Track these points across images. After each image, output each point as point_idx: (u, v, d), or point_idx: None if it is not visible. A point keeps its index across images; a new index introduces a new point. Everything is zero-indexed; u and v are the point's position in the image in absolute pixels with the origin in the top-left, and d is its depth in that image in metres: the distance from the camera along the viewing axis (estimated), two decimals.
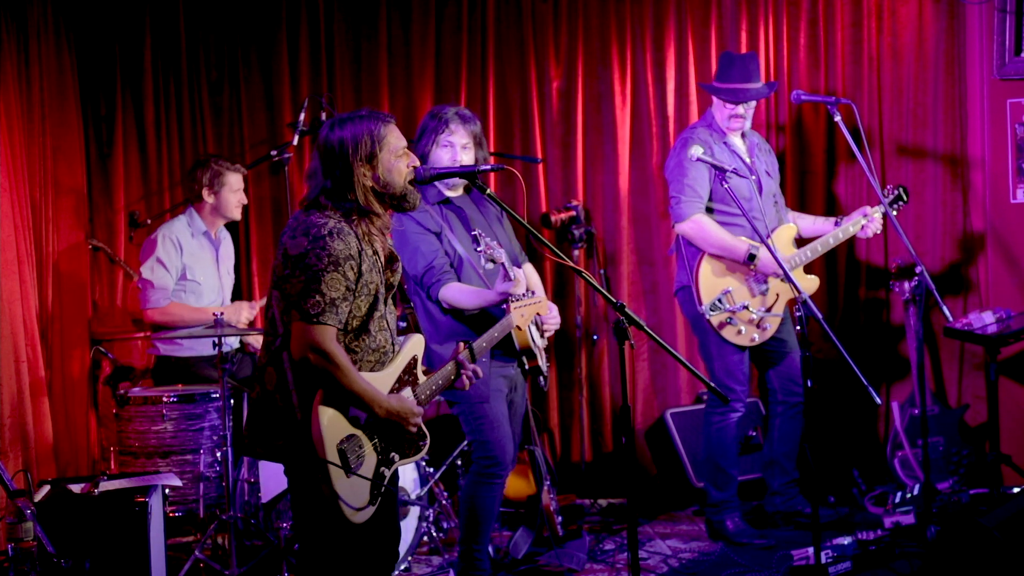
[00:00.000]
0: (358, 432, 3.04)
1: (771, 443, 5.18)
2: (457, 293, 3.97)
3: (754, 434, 5.60)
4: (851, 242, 5.28)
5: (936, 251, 5.71)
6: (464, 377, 3.30)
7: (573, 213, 5.77)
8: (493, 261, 3.84)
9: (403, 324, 4.96)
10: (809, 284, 5.02)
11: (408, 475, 4.58)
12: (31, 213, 5.18)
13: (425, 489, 4.66)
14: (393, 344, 3.20)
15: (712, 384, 3.38)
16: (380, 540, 3.23)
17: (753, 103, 5.00)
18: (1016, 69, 5.49)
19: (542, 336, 4.18)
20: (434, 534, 4.75)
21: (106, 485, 4.02)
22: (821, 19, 5.79)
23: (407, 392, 3.18)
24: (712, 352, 4.94)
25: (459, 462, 5.11)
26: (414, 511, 4.60)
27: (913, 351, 5.17)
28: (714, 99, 5.02)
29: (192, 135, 5.87)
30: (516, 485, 4.93)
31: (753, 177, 4.93)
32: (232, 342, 5.26)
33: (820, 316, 3.98)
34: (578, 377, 5.96)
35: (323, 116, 5.49)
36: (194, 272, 5.15)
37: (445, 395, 3.74)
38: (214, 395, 4.75)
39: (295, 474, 3.09)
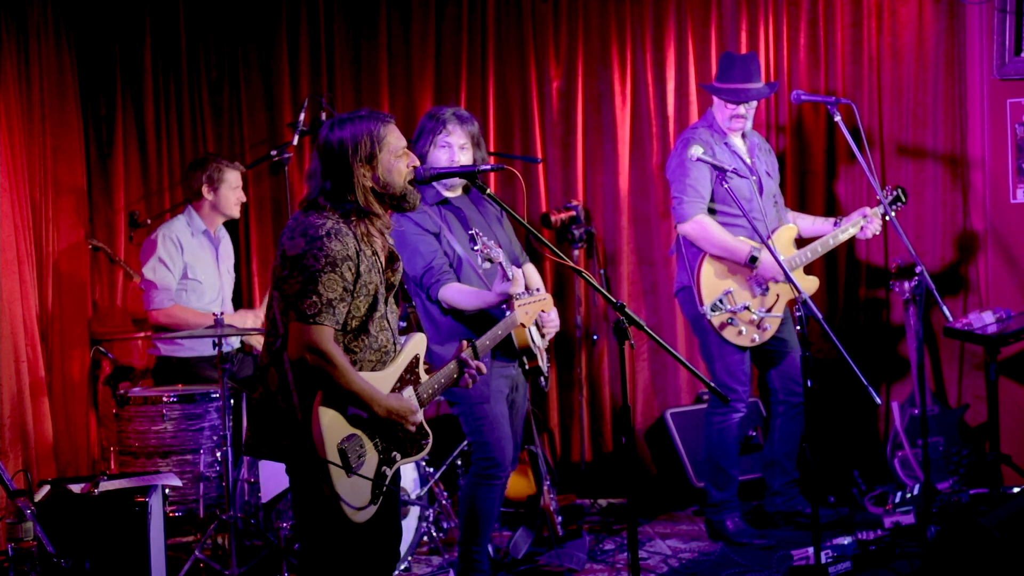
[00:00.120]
0: (359, 432, 3.04)
1: (771, 443, 5.18)
2: (456, 294, 3.97)
3: (754, 434, 5.60)
4: (851, 242, 5.28)
5: (936, 251, 5.71)
6: (467, 375, 3.30)
7: (573, 213, 5.77)
8: (490, 260, 3.83)
9: (403, 324, 4.96)
10: (809, 284, 5.02)
11: (408, 475, 4.58)
12: (31, 213, 5.18)
13: (425, 489, 4.66)
14: (395, 344, 3.20)
15: (712, 384, 3.37)
16: (381, 540, 3.23)
17: (754, 103, 5.00)
18: (1016, 69, 5.49)
19: (542, 337, 4.18)
20: (434, 534, 4.75)
21: (106, 485, 4.02)
22: (821, 19, 5.79)
23: (408, 391, 3.18)
24: (713, 352, 4.94)
25: (459, 462, 5.11)
26: (414, 511, 4.61)
27: (913, 351, 5.17)
28: (715, 99, 5.02)
29: (192, 135, 5.87)
30: (516, 485, 4.93)
31: (754, 178, 4.93)
32: (232, 342, 5.26)
33: (820, 316, 3.98)
34: (578, 377, 5.96)
35: (323, 116, 5.49)
36: (195, 271, 5.15)
37: (445, 395, 3.74)
38: (214, 395, 4.75)
39: (296, 474, 3.09)
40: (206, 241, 5.25)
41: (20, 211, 5.04)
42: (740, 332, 4.86)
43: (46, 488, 4.04)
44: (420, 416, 3.16)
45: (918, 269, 5.01)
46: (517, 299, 3.82)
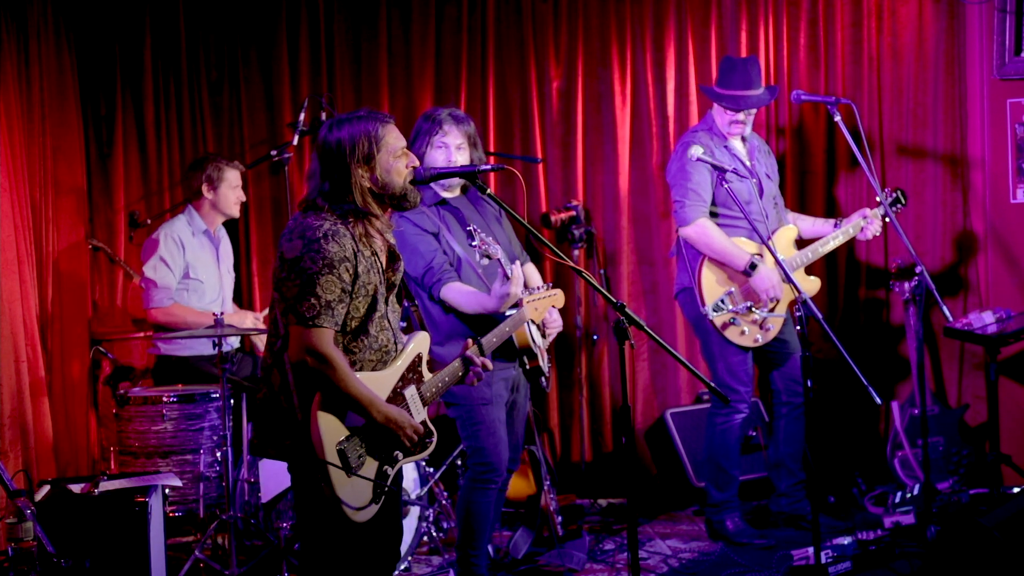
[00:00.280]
0: (358, 432, 3.04)
1: (776, 445, 5.17)
2: (457, 294, 3.96)
3: (754, 434, 5.60)
4: (851, 243, 5.28)
5: (936, 251, 5.71)
6: (472, 373, 3.29)
7: (573, 213, 5.77)
8: (488, 256, 3.83)
9: (403, 324, 4.95)
10: (811, 286, 5.02)
11: (408, 475, 4.58)
12: (31, 213, 5.18)
13: (425, 489, 4.67)
14: (396, 343, 3.20)
15: (713, 385, 3.37)
16: (382, 539, 3.22)
17: (754, 109, 4.99)
18: (1016, 69, 5.49)
19: (544, 337, 4.17)
20: (434, 534, 4.75)
21: (106, 485, 4.02)
22: (821, 19, 5.79)
23: (411, 390, 3.18)
24: (715, 353, 4.94)
25: (459, 462, 5.11)
26: (414, 511, 4.61)
27: (913, 351, 5.17)
28: (715, 104, 5.02)
29: (192, 135, 5.87)
30: (516, 485, 4.93)
31: (754, 180, 4.93)
32: (233, 342, 5.26)
33: (820, 316, 3.98)
34: (578, 377, 5.96)
35: (323, 116, 5.49)
36: (196, 270, 5.15)
37: (444, 397, 3.73)
38: (214, 395, 4.75)
39: (297, 473, 3.09)
40: (207, 241, 5.25)
41: (20, 211, 5.04)
42: (743, 332, 4.85)
43: (46, 488, 4.04)
44: (421, 430, 3.13)
45: (918, 269, 5.01)
46: (526, 295, 3.81)
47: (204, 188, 5.18)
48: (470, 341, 3.35)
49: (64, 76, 5.53)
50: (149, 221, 5.54)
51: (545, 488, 4.86)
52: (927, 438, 4.90)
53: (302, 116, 5.49)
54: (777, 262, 4.27)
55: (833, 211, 5.74)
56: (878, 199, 5.00)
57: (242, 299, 5.76)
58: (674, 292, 5.17)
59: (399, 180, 3.10)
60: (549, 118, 5.96)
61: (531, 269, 4.34)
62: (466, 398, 4.03)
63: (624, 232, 5.93)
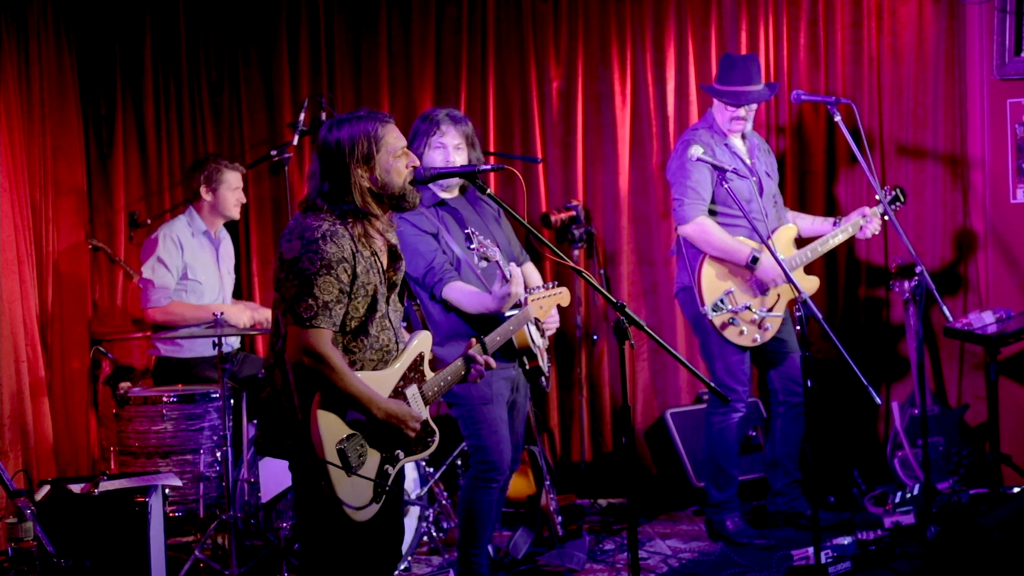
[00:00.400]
0: (358, 432, 3.04)
1: (773, 444, 5.18)
2: (459, 294, 3.96)
3: (754, 434, 5.60)
4: (851, 242, 5.28)
5: (936, 251, 5.71)
6: (474, 371, 3.29)
7: (573, 213, 5.77)
8: (487, 259, 3.83)
9: (403, 324, 4.95)
10: (810, 284, 5.02)
11: (408, 475, 4.58)
12: (31, 213, 5.19)
13: (425, 489, 4.67)
14: (398, 343, 3.20)
15: (712, 384, 3.37)
16: (383, 539, 3.23)
17: (754, 105, 5.00)
18: (1016, 69, 5.49)
19: (542, 336, 4.17)
20: (434, 534, 4.75)
21: (106, 485, 4.02)
22: (821, 19, 5.79)
23: (412, 389, 3.18)
24: (713, 352, 4.94)
25: (459, 462, 5.11)
26: (414, 511, 4.61)
27: (913, 351, 5.17)
28: (715, 101, 5.02)
29: (192, 135, 5.87)
30: (516, 485, 4.93)
31: (754, 178, 4.93)
32: (233, 342, 5.26)
33: (820, 316, 3.98)
34: (578, 377, 5.96)
35: (323, 116, 5.49)
36: (195, 271, 5.15)
37: (445, 397, 3.74)
38: (214, 395, 4.74)
39: (298, 472, 3.09)
40: (206, 242, 5.25)
41: (20, 211, 5.04)
42: (742, 332, 4.86)
43: (46, 488, 4.04)
44: (422, 418, 3.14)
45: (918, 269, 5.01)
46: (531, 293, 3.81)
47: (202, 190, 5.17)
48: (474, 340, 3.35)
49: (64, 76, 5.53)
50: (149, 221, 5.54)
51: (545, 488, 4.86)
52: (927, 438, 4.90)
53: (302, 116, 5.49)
54: (777, 261, 4.27)
55: (833, 210, 5.74)
56: (877, 198, 5.00)
57: (242, 299, 5.75)
58: (674, 291, 5.17)
59: (399, 180, 3.10)
60: (549, 118, 5.96)
61: (530, 269, 4.34)
62: (467, 397, 4.03)
63: (624, 232, 5.93)
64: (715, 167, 4.46)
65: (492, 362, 3.33)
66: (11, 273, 4.89)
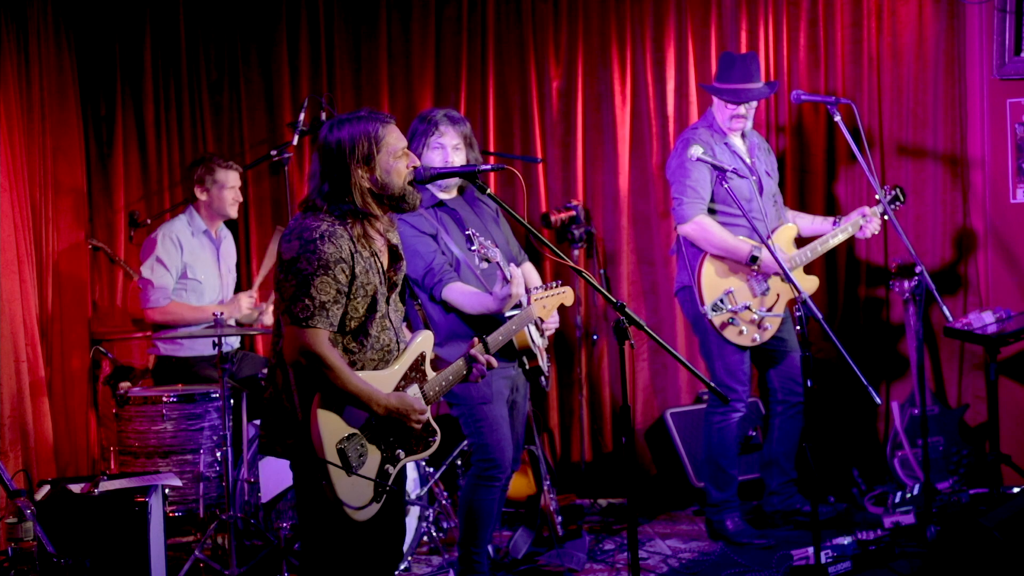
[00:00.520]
0: (358, 431, 3.04)
1: (771, 443, 5.18)
2: (459, 295, 3.96)
3: (754, 434, 5.60)
4: (851, 242, 5.28)
5: (936, 251, 5.71)
6: (475, 370, 3.29)
7: (573, 213, 5.77)
8: (487, 260, 3.83)
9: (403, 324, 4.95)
10: (810, 284, 5.02)
11: (408, 475, 4.58)
12: (31, 213, 5.19)
13: (425, 489, 4.67)
14: (399, 343, 3.20)
15: (712, 384, 3.37)
16: (383, 539, 3.23)
17: (754, 103, 5.00)
18: (1016, 69, 5.49)
19: (542, 336, 4.17)
20: (434, 534, 4.75)
21: (106, 485, 4.03)
22: (821, 19, 5.79)
23: (413, 389, 3.18)
24: (713, 352, 4.94)
25: (459, 462, 5.11)
26: (414, 511, 4.61)
27: (913, 351, 5.17)
28: (715, 100, 5.02)
29: (192, 135, 5.87)
30: (516, 485, 4.93)
31: (754, 178, 4.93)
32: (232, 342, 5.26)
33: (820, 316, 3.98)
34: (578, 377, 5.96)
35: (323, 116, 5.49)
36: (195, 271, 5.15)
37: (446, 397, 3.74)
38: (214, 395, 4.74)
39: (299, 472, 3.10)
40: (207, 241, 5.25)
41: (20, 211, 5.04)
42: (741, 332, 4.86)
43: (46, 488, 4.04)
44: (426, 414, 3.15)
45: (918, 269, 5.01)
46: (531, 293, 3.81)
47: (197, 190, 5.17)
48: (476, 339, 3.35)
49: (64, 76, 5.53)
50: (149, 221, 5.54)
51: (545, 488, 4.86)
52: (927, 438, 4.90)
53: (302, 116, 5.49)
54: (777, 261, 4.27)
55: (833, 210, 5.74)
56: (877, 197, 5.00)
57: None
58: (674, 290, 5.17)
59: (399, 181, 3.10)
60: (549, 118, 5.96)
61: (529, 268, 4.34)
62: (467, 397, 4.03)
63: (624, 232, 5.93)
64: (715, 167, 4.46)
65: (494, 361, 3.33)
66: (11, 273, 4.89)
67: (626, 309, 3.08)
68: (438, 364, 3.34)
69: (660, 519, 5.44)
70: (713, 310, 4.57)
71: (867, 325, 5.82)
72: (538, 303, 3.86)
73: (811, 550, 4.07)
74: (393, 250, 3.20)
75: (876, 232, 5.05)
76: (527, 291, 3.86)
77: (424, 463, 4.72)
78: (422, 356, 3.23)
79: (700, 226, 4.84)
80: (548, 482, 4.89)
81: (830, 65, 5.79)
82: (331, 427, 2.98)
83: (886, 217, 5.03)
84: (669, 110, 5.88)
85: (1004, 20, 5.46)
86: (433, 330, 4.05)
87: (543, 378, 4.19)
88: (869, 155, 5.16)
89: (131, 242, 5.64)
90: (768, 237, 4.78)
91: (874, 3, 5.74)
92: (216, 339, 4.49)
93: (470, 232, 3.87)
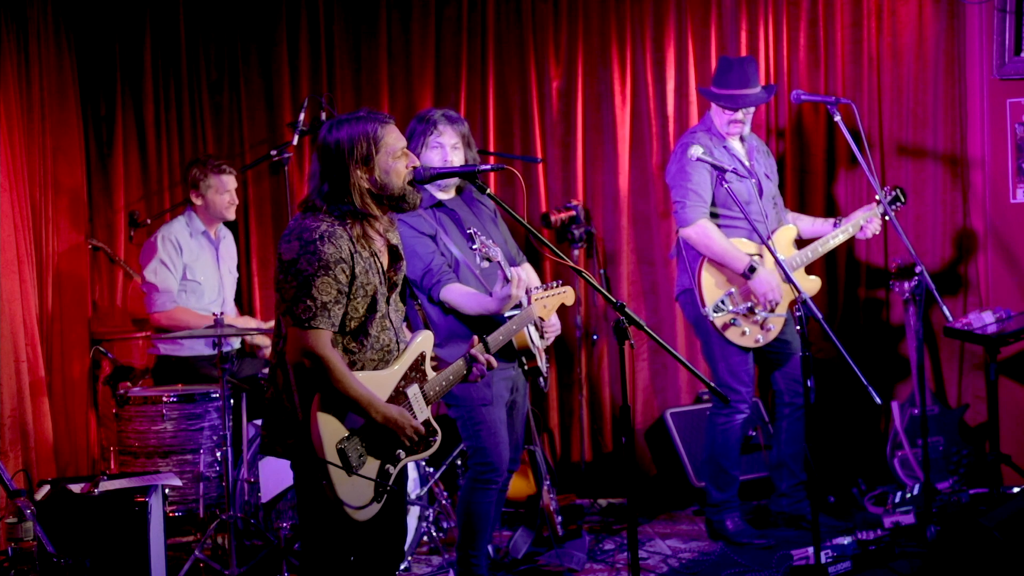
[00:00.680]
0: (358, 432, 3.04)
1: (779, 445, 5.16)
2: (458, 296, 3.96)
3: (754, 434, 5.60)
4: (851, 242, 5.28)
5: (936, 251, 5.71)
6: (476, 370, 3.29)
7: (573, 213, 5.77)
8: (488, 259, 3.83)
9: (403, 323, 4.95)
10: (811, 285, 5.02)
11: (408, 475, 4.57)
12: (31, 213, 5.19)
13: (425, 489, 4.67)
14: (399, 343, 3.20)
15: (713, 385, 3.37)
16: (384, 539, 3.23)
17: (752, 108, 4.99)
18: (1016, 69, 5.49)
19: (542, 337, 4.17)
20: (434, 534, 4.75)
21: (106, 485, 4.02)
22: (821, 19, 5.79)
23: (414, 388, 3.18)
24: (716, 354, 4.93)
25: (459, 462, 5.11)
26: (414, 511, 4.61)
27: (913, 351, 5.17)
28: (712, 104, 5.01)
29: (192, 135, 5.87)
30: (516, 485, 4.93)
31: (753, 180, 4.93)
32: (233, 342, 5.26)
33: (820, 316, 3.98)
34: (578, 377, 5.96)
35: (323, 116, 5.49)
36: (194, 272, 5.15)
37: (444, 398, 3.74)
38: (214, 395, 4.74)
39: (299, 472, 3.10)
40: (206, 242, 5.25)
41: (20, 211, 5.04)
42: (744, 333, 4.85)
43: (46, 488, 4.04)
44: (420, 428, 3.13)
45: (918, 269, 5.00)
46: (534, 292, 3.81)
47: (192, 195, 5.17)
48: (476, 339, 3.35)
49: (64, 76, 5.53)
50: (149, 221, 5.54)
51: (545, 488, 4.86)
52: (927, 438, 4.90)
53: (302, 116, 5.49)
54: (777, 262, 4.27)
55: (833, 211, 5.74)
56: (877, 198, 5.00)
57: (242, 299, 5.76)
58: (675, 293, 5.16)
59: (398, 181, 3.10)
60: (549, 118, 5.96)
61: (528, 269, 4.34)
62: (467, 399, 4.03)
63: (624, 232, 5.93)
64: (714, 167, 4.46)
65: (494, 361, 3.33)
66: (11, 273, 4.89)
67: (626, 309, 3.08)
68: (438, 364, 3.34)
69: (660, 519, 5.44)
70: (715, 311, 4.57)
71: (867, 325, 5.82)
72: (538, 303, 3.86)
73: (811, 550, 4.07)
74: (393, 250, 3.20)
75: (877, 232, 5.05)
76: (527, 291, 3.86)
77: (424, 463, 4.72)
78: (422, 356, 3.23)
79: (702, 230, 4.84)
80: (548, 482, 4.89)
81: (830, 65, 5.79)
82: (331, 427, 2.98)
83: (886, 217, 5.03)
84: (669, 110, 5.88)
85: (1004, 20, 5.46)
86: (433, 330, 4.05)
87: (542, 379, 4.19)
88: (869, 155, 5.16)
89: (131, 242, 5.64)
90: (768, 239, 4.78)
91: (874, 3, 5.74)
92: (216, 339, 4.49)
93: (471, 231, 3.87)
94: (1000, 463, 5.26)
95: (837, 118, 4.94)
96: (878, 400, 4.03)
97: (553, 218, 5.78)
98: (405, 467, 3.22)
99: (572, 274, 5.56)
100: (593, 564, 4.79)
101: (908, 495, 4.95)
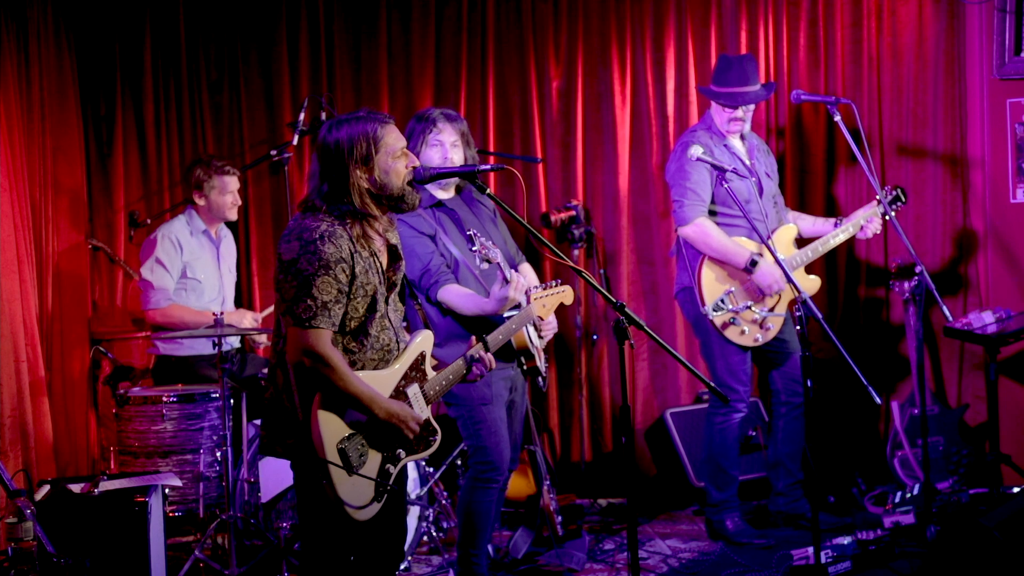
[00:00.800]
0: (359, 431, 3.04)
1: (775, 444, 5.17)
2: (455, 297, 3.96)
3: (754, 434, 5.60)
4: (851, 242, 5.28)
5: (936, 251, 5.71)
6: (476, 370, 3.29)
7: (573, 213, 5.77)
8: (488, 261, 3.83)
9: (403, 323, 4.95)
10: (811, 284, 5.02)
11: (408, 475, 4.57)
12: (31, 213, 5.19)
13: (425, 489, 4.67)
14: (399, 342, 3.20)
15: (712, 384, 3.37)
16: (384, 539, 3.23)
17: (752, 106, 4.99)
18: (1016, 69, 5.49)
19: (540, 337, 4.17)
20: (434, 534, 4.75)
21: (106, 485, 4.03)
22: (821, 19, 5.79)
23: (414, 388, 3.18)
24: (715, 353, 4.93)
25: (459, 462, 5.11)
26: (414, 511, 4.61)
27: (913, 351, 5.17)
28: (712, 103, 5.01)
29: (192, 135, 5.87)
30: (516, 485, 4.93)
31: (753, 179, 4.93)
32: (232, 342, 5.26)
33: (820, 316, 3.98)
34: (578, 377, 5.96)
35: (323, 116, 5.50)
36: (194, 270, 5.15)
37: (444, 397, 3.74)
38: (214, 395, 4.75)
39: (299, 472, 3.10)
40: (206, 241, 5.25)
41: (20, 211, 5.04)
42: (743, 332, 4.85)
43: (46, 488, 4.04)
44: (423, 419, 3.14)
45: (918, 269, 5.01)
46: (533, 292, 3.81)
47: (195, 195, 5.17)
48: (475, 339, 3.35)
49: (64, 76, 5.53)
50: (149, 221, 5.54)
51: (545, 488, 4.86)
52: (927, 438, 4.90)
53: (302, 116, 5.49)
54: (777, 261, 4.27)
55: (833, 211, 5.74)
56: (878, 197, 5.00)
57: (242, 299, 5.76)
58: (674, 292, 5.17)
59: (397, 181, 3.10)
60: (549, 118, 5.96)
61: (527, 269, 4.33)
62: (466, 398, 4.03)
63: (624, 232, 5.93)
64: (714, 166, 4.46)
65: (493, 361, 3.33)
66: (11, 273, 4.89)
67: (626, 309, 3.08)
68: (438, 365, 3.34)
69: (660, 519, 5.44)
70: (714, 310, 4.56)
71: (867, 325, 5.82)
72: (537, 302, 3.86)
73: (811, 550, 4.06)
74: (392, 250, 3.20)
75: (877, 232, 5.05)
76: (526, 291, 3.86)
77: (424, 463, 4.72)
78: (422, 355, 3.23)
79: (700, 229, 4.84)
80: (548, 482, 4.89)
81: (830, 65, 5.79)
82: (332, 427, 2.98)
83: (887, 217, 5.03)
84: (669, 110, 5.88)
85: (1004, 20, 5.46)
86: (432, 330, 4.05)
87: (540, 378, 4.18)
88: (869, 155, 5.16)
89: (131, 242, 5.64)
90: (768, 238, 4.78)
91: (874, 3, 5.74)
92: (216, 339, 4.49)
93: (471, 232, 3.87)
94: (1000, 463, 5.26)
95: (837, 118, 4.94)
96: (878, 400, 4.03)
97: (553, 218, 5.78)
98: (405, 467, 3.23)
99: (572, 274, 5.56)
100: (593, 564, 4.79)
101: (908, 495, 4.95)
